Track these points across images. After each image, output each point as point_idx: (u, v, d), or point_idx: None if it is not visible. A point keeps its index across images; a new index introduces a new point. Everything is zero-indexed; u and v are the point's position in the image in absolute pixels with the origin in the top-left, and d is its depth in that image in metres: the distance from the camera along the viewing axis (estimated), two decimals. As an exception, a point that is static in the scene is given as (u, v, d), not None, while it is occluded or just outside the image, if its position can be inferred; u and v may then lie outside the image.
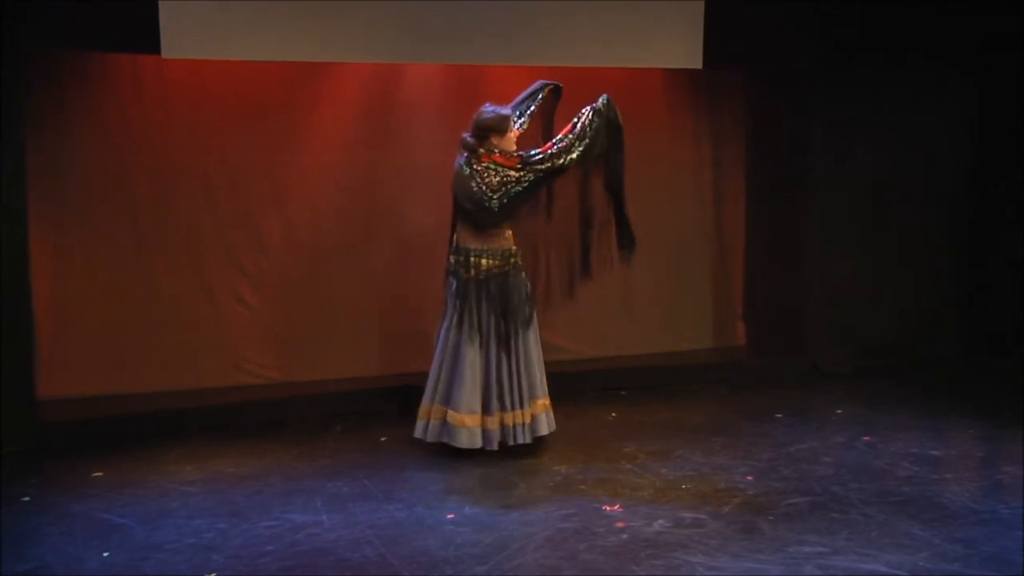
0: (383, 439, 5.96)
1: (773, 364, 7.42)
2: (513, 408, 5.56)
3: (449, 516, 4.82)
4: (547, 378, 5.73)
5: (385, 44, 6.11)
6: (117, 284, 6.25)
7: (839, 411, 6.54)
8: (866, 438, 5.96)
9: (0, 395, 5.64)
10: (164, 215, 6.32)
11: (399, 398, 6.44)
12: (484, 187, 5.44)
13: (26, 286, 5.77)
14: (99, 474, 5.36)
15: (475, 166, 5.47)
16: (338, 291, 6.68)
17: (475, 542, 4.52)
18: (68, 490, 5.15)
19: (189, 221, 6.38)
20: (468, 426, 5.49)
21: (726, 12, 6.67)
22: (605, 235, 5.80)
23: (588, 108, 5.59)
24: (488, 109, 5.54)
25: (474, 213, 5.50)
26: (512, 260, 5.60)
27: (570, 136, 5.53)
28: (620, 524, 4.70)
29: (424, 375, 5.75)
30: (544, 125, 5.80)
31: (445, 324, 5.60)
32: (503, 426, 5.56)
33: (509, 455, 5.53)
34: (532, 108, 5.75)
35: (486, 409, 5.53)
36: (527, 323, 5.61)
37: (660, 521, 4.73)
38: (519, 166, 5.47)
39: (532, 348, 5.64)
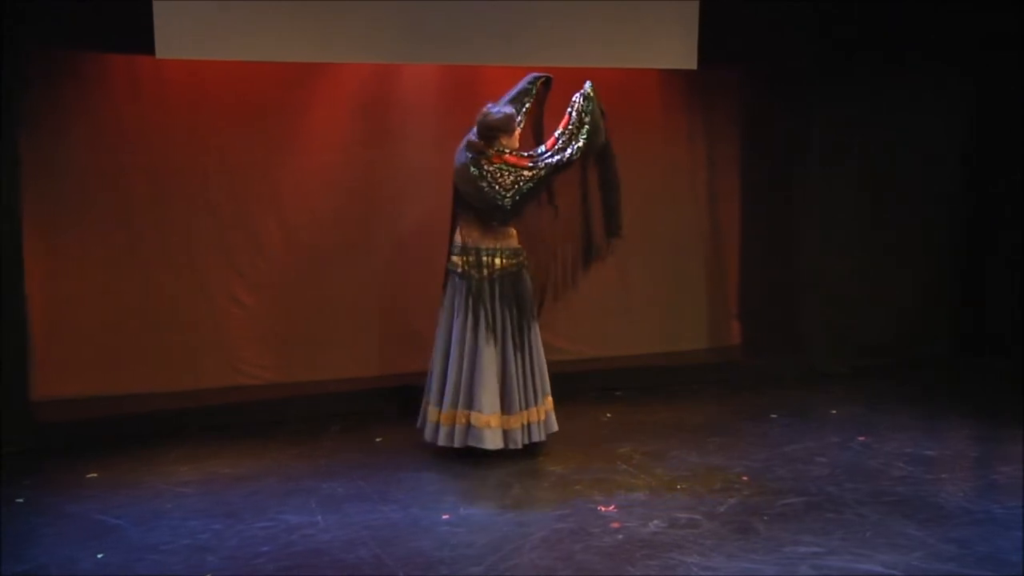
0: (378, 439, 5.96)
1: (771, 364, 7.41)
2: (530, 406, 5.57)
3: (444, 517, 4.81)
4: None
5: (383, 44, 6.11)
6: (114, 284, 6.26)
7: (833, 411, 6.54)
8: (862, 438, 5.95)
9: (-4, 396, 5.64)
10: (161, 215, 6.32)
11: (398, 398, 6.44)
12: (497, 187, 5.41)
13: (21, 286, 5.76)
14: (94, 475, 5.36)
15: (485, 167, 5.43)
16: (336, 291, 6.69)
17: (470, 543, 4.52)
18: (64, 491, 5.14)
19: (186, 221, 6.38)
20: (493, 427, 5.46)
21: (722, 12, 6.66)
22: (599, 228, 5.79)
23: (577, 95, 5.57)
24: (494, 109, 5.49)
25: (485, 212, 5.48)
26: (521, 258, 5.61)
27: (570, 127, 5.52)
28: (616, 524, 4.70)
29: (422, 375, 5.74)
30: (536, 116, 5.77)
31: (455, 326, 5.53)
32: (523, 425, 5.56)
33: (505, 456, 5.52)
34: (527, 104, 5.74)
35: (509, 409, 5.51)
36: (536, 319, 5.63)
37: (655, 521, 4.73)
38: (530, 164, 5.46)
39: (538, 346, 5.66)
